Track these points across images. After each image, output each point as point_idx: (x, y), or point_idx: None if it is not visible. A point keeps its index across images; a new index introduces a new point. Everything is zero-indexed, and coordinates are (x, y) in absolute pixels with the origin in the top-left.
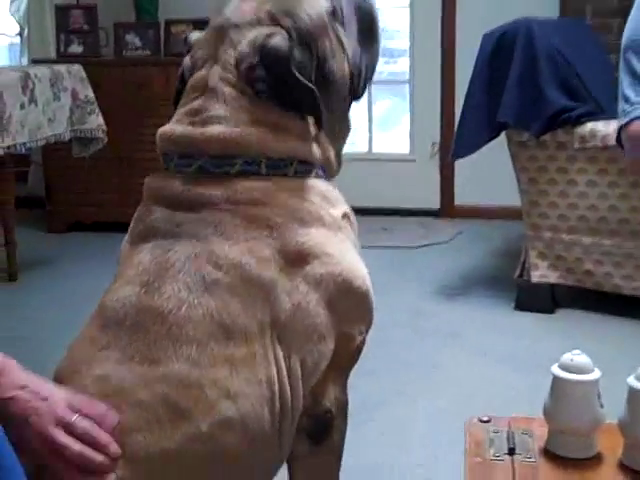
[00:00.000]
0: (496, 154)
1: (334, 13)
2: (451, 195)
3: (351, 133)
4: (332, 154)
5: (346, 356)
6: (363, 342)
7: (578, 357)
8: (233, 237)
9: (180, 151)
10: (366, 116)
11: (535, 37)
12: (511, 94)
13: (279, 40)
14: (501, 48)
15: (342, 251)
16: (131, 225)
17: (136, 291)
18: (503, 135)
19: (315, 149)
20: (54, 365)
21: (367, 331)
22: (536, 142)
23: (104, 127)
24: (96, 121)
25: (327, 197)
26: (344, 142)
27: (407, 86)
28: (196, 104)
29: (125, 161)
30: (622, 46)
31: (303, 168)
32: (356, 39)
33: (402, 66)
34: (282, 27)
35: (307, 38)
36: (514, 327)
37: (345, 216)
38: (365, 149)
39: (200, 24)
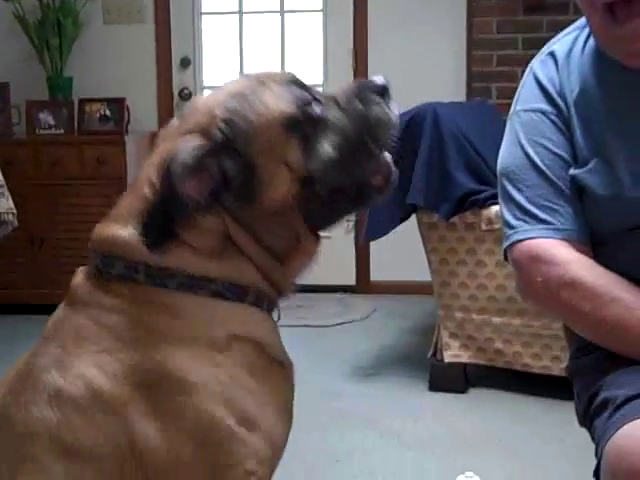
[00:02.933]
0: (411, 230)
1: (297, 121)
2: (367, 271)
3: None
4: (270, 275)
5: None
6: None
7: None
8: (84, 346)
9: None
10: None
11: (441, 121)
12: (420, 177)
13: (181, 152)
14: (409, 132)
15: (215, 380)
16: None
17: (3, 393)
18: None
19: (214, 265)
20: None
21: (266, 466)
22: (445, 224)
23: (14, 210)
24: (6, 204)
25: (212, 317)
26: (301, 264)
27: None
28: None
29: (37, 241)
30: (497, 172)
31: (190, 282)
32: (339, 151)
33: None
34: (210, 133)
35: (240, 147)
36: (427, 408)
37: (237, 339)
38: None
39: (114, 103)
